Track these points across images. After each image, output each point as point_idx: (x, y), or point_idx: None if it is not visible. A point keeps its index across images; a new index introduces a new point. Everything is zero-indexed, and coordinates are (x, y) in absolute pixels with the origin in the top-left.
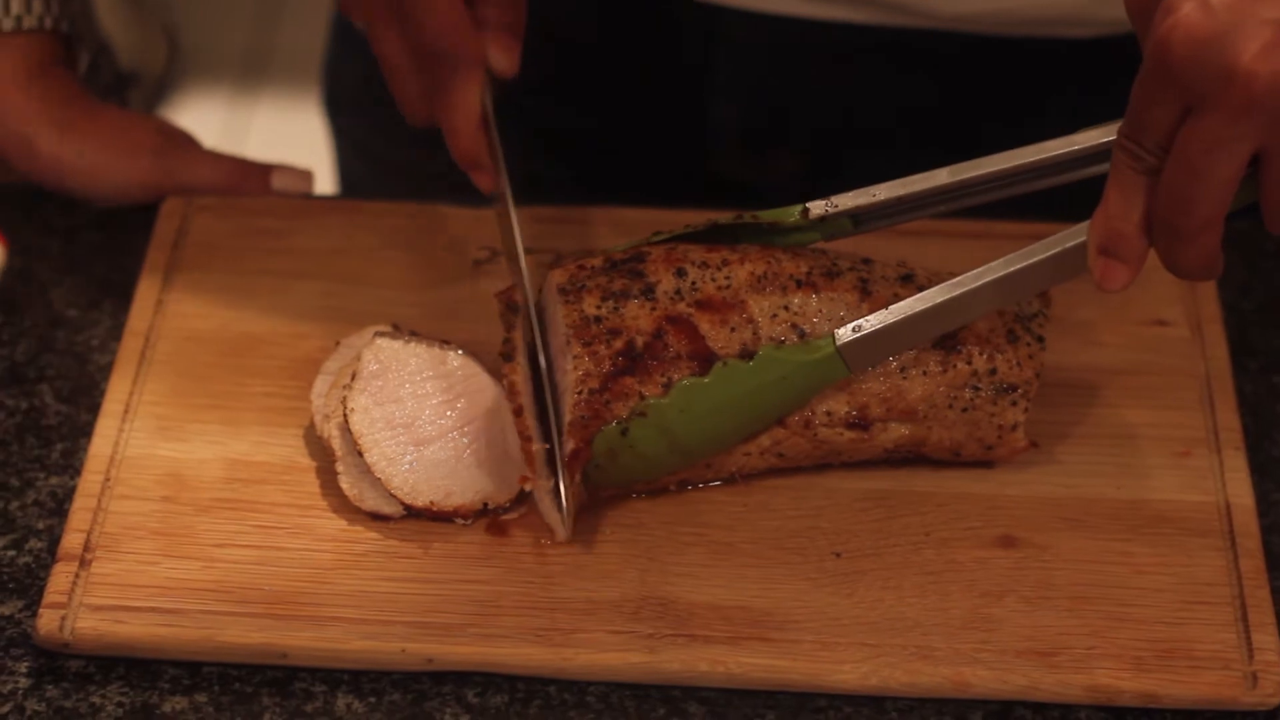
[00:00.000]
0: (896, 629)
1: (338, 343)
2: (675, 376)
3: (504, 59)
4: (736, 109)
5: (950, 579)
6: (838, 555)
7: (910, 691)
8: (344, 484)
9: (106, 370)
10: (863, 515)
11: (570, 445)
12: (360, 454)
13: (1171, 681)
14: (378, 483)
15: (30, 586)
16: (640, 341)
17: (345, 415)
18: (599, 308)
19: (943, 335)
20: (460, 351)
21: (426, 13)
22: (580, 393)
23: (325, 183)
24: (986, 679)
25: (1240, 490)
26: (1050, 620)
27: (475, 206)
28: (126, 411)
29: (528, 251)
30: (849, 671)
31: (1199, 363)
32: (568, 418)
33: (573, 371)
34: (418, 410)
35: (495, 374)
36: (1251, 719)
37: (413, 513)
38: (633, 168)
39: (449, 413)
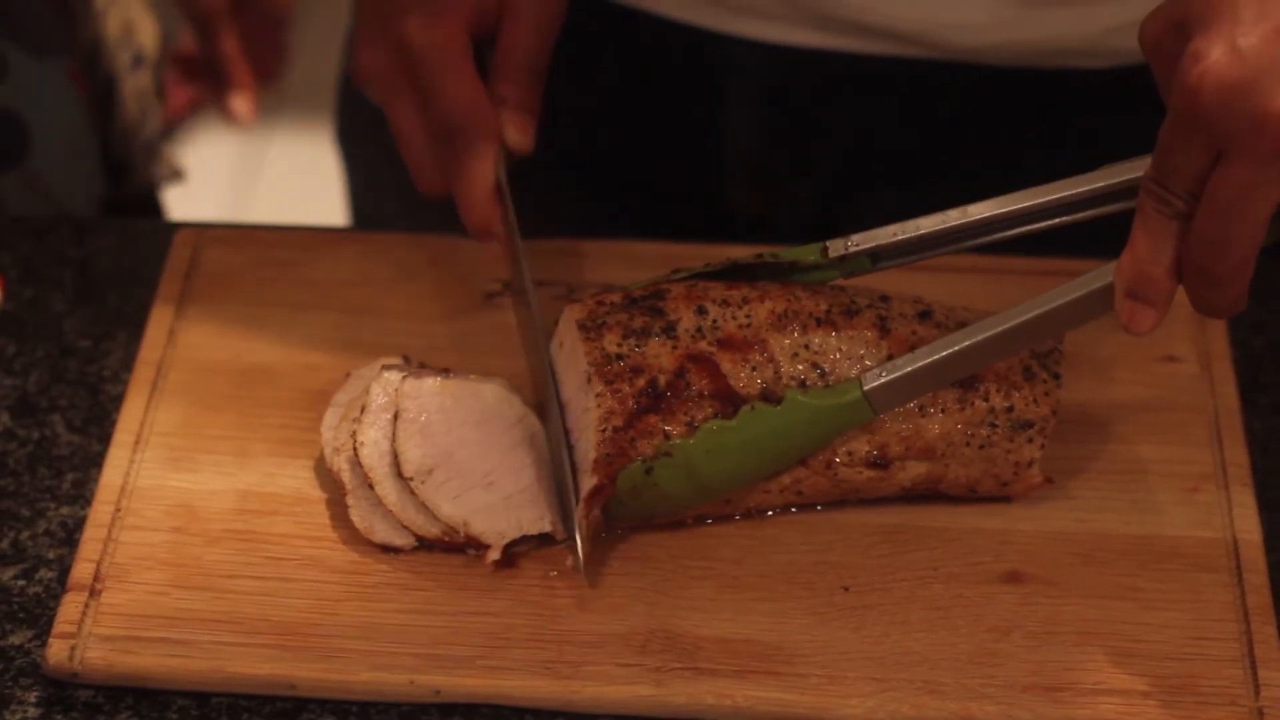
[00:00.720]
0: (904, 664)
1: (348, 374)
2: (698, 415)
3: (519, 137)
4: (751, 140)
5: (958, 614)
6: (846, 590)
7: None
8: (354, 517)
9: (118, 400)
10: (871, 550)
11: (593, 482)
12: (371, 487)
13: (1178, 717)
14: (388, 515)
15: (40, 616)
16: (663, 380)
17: (355, 448)
18: (620, 345)
19: None
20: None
21: (444, 89)
22: (604, 430)
23: (339, 214)
24: (993, 714)
25: (1248, 526)
26: (1057, 656)
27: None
28: (138, 442)
29: (541, 284)
30: (856, 706)
31: (1208, 399)
32: (592, 455)
33: (595, 409)
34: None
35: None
36: None
37: (424, 544)
38: (647, 199)
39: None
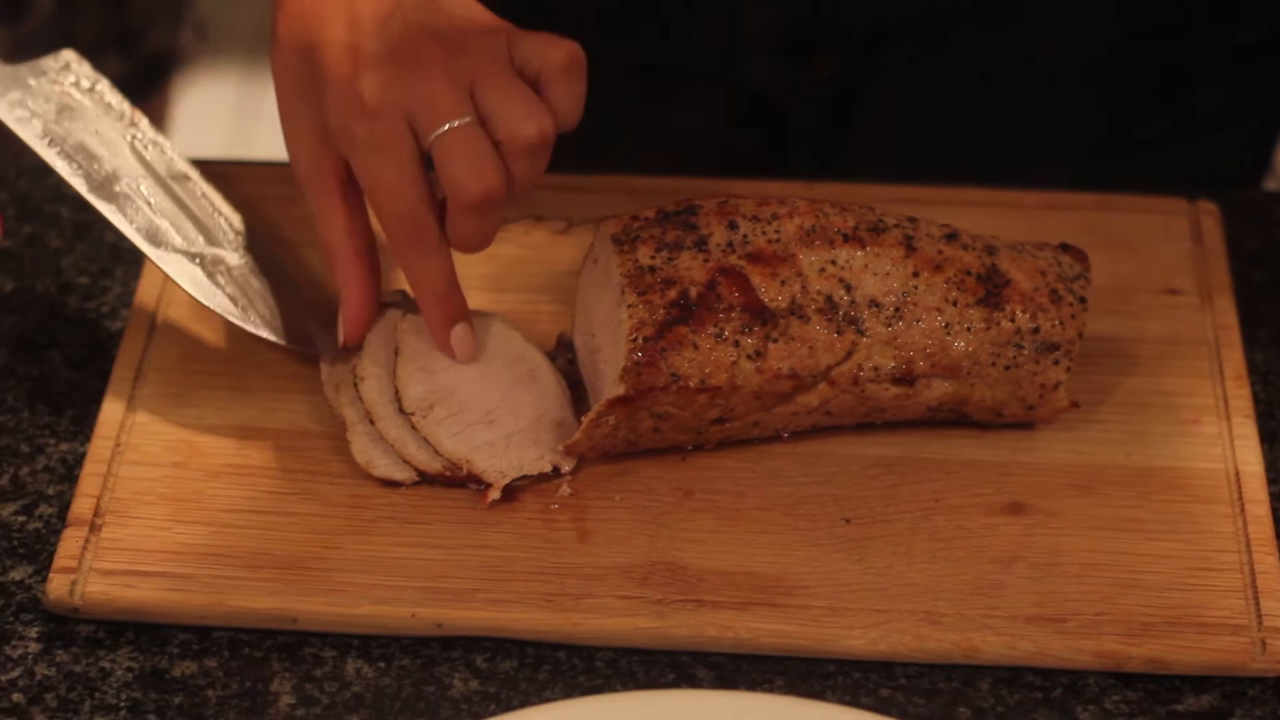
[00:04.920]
0: (905, 595)
1: None
2: (728, 328)
3: None
4: (770, 14)
5: (959, 545)
6: (847, 522)
7: (919, 657)
8: (355, 451)
9: (117, 337)
10: (873, 482)
11: (620, 390)
12: (371, 422)
13: (1180, 647)
14: (389, 449)
15: (40, 552)
16: (694, 292)
17: (355, 384)
18: (653, 258)
19: (986, 293)
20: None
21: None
22: (635, 340)
23: None
24: (995, 644)
25: (1250, 457)
26: (1059, 586)
27: None
28: (137, 378)
29: (540, 219)
30: (858, 637)
31: (1209, 331)
32: (622, 364)
33: (628, 320)
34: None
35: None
36: (1260, 685)
37: (425, 479)
38: (668, 83)
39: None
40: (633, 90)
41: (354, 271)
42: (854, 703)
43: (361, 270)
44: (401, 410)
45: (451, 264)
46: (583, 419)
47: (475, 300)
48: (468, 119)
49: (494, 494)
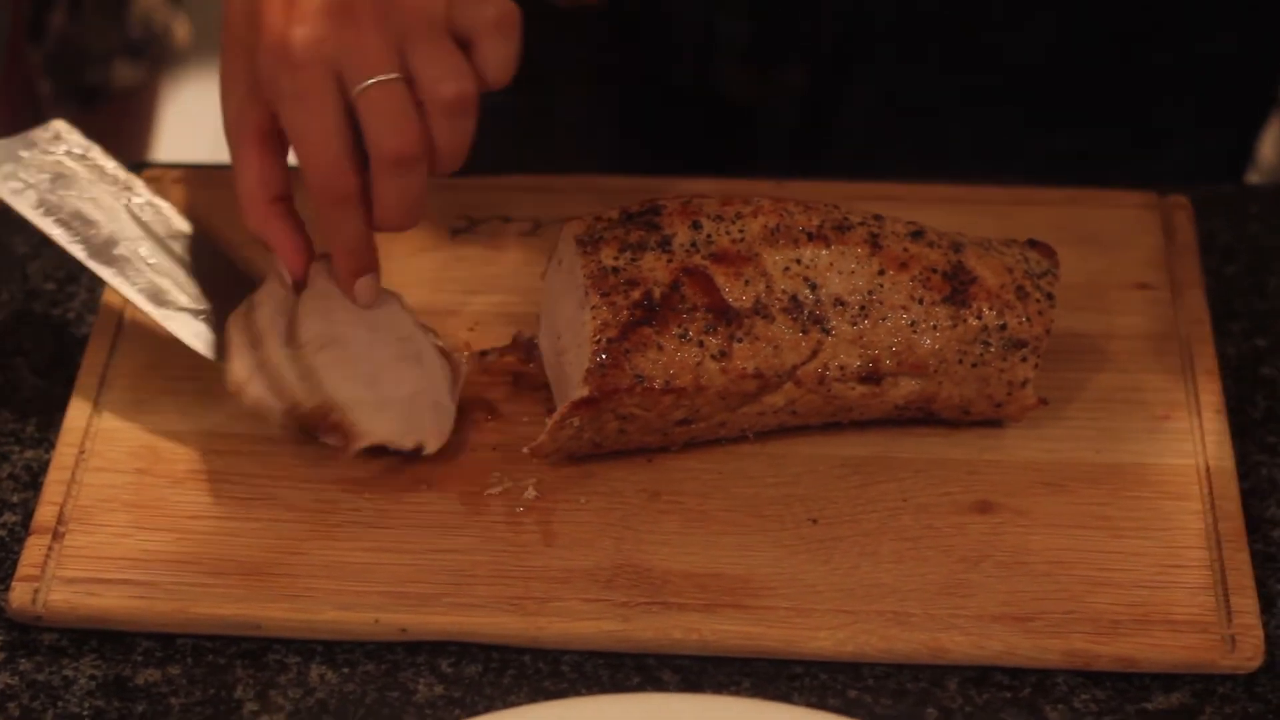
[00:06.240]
0: (873, 595)
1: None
2: (692, 328)
3: None
4: (742, 24)
5: (927, 545)
6: (814, 522)
7: (886, 657)
8: (232, 370)
9: (82, 343)
10: (840, 482)
11: (584, 392)
12: (254, 348)
13: (1149, 645)
14: (268, 377)
15: (4, 560)
16: (657, 293)
17: (246, 311)
18: (616, 258)
19: (953, 291)
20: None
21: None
22: (599, 341)
23: None
24: (963, 644)
25: (1220, 453)
26: (1027, 585)
27: (453, 176)
28: (101, 384)
29: (508, 220)
30: (825, 638)
31: (1180, 326)
32: (585, 365)
33: (591, 321)
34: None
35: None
36: (1230, 682)
37: (288, 421)
38: (639, 90)
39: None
40: (611, 99)
41: (271, 216)
42: (821, 704)
43: (278, 213)
44: (289, 343)
45: (367, 223)
46: (548, 421)
47: (440, 300)
48: (393, 75)
49: (354, 449)
